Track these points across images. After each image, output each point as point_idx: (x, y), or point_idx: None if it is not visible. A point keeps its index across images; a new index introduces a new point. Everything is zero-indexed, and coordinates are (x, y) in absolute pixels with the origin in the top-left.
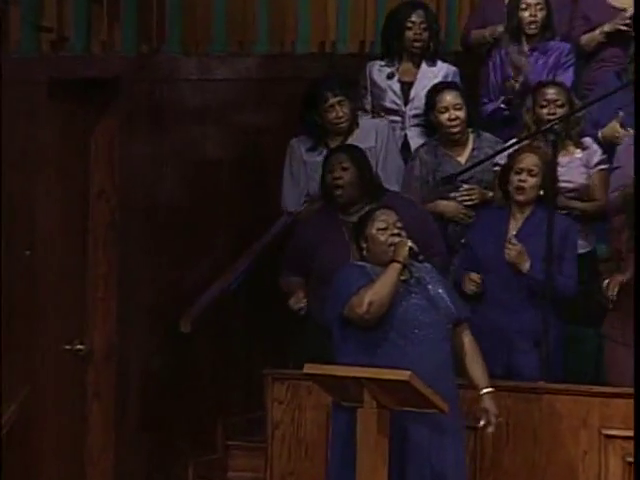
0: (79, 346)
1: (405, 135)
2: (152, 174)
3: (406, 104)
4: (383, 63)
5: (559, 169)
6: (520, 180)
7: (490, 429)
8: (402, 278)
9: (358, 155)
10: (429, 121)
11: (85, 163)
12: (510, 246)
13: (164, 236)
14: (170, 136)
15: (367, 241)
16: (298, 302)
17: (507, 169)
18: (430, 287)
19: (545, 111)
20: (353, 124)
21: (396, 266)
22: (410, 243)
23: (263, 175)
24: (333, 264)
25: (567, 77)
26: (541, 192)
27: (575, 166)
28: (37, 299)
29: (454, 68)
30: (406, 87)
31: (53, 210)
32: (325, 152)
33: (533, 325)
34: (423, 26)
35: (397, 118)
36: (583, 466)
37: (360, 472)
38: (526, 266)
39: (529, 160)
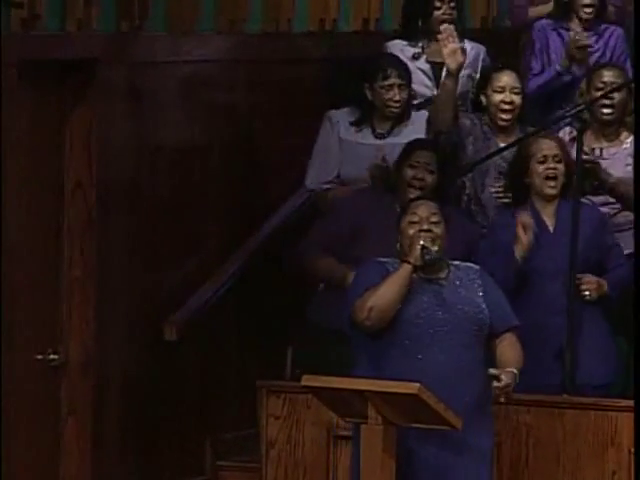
0: (52, 356)
1: None
2: (134, 165)
3: (438, 87)
4: (405, 43)
5: (602, 162)
6: (549, 168)
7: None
8: (431, 276)
9: (443, 158)
10: (476, 102)
11: (59, 153)
12: (586, 286)
13: (147, 234)
14: (153, 123)
15: (399, 233)
16: None
17: (523, 160)
18: (461, 290)
19: (600, 95)
20: (405, 114)
21: (405, 267)
22: (423, 241)
23: (256, 164)
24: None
25: (627, 65)
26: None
27: (620, 157)
28: (5, 304)
29: (482, 47)
30: (437, 68)
31: (23, 206)
32: (368, 135)
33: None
34: (452, 4)
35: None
36: None
37: None
38: (605, 290)
39: (548, 145)
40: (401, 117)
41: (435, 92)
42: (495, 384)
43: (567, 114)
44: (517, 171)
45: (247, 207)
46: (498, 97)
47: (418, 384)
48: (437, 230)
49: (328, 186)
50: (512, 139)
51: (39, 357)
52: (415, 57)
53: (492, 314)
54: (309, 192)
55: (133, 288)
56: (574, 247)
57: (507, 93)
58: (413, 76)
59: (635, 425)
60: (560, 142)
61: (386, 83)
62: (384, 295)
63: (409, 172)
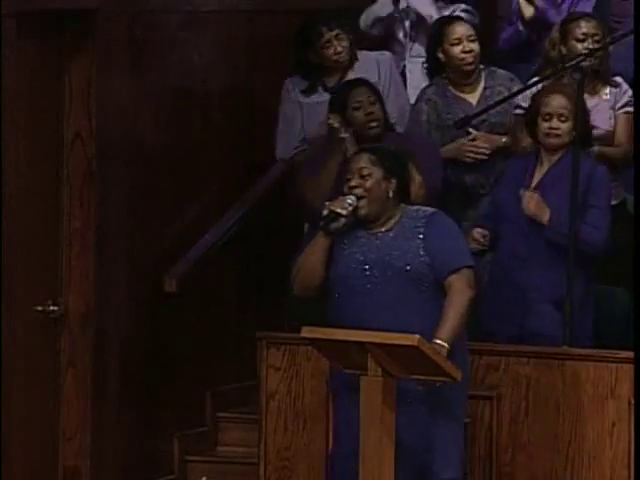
0: (52, 307)
1: (404, 66)
2: (133, 117)
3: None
4: None
5: None
6: (551, 127)
7: None
8: (371, 230)
9: (375, 88)
10: (435, 59)
11: (59, 104)
12: (528, 197)
13: (147, 185)
14: (153, 75)
15: None
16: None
17: (533, 113)
18: (399, 242)
19: (582, 46)
20: (352, 58)
21: (319, 234)
22: (332, 206)
23: (256, 117)
24: None
25: (587, 8)
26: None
27: (602, 109)
28: (5, 256)
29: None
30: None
31: (22, 157)
32: (321, 93)
33: (555, 284)
34: None
35: (398, 49)
36: (611, 440)
37: (364, 445)
38: (545, 218)
39: (556, 103)
40: (350, 63)
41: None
42: None
43: (567, 65)
44: (529, 122)
45: (247, 159)
46: (457, 49)
47: (418, 336)
48: (367, 184)
49: (295, 151)
50: (479, 87)
51: (39, 309)
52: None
53: (434, 261)
54: (281, 161)
55: (132, 240)
56: (574, 197)
57: (465, 43)
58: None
59: (635, 376)
60: (572, 96)
61: (323, 41)
62: (302, 266)
63: (359, 114)
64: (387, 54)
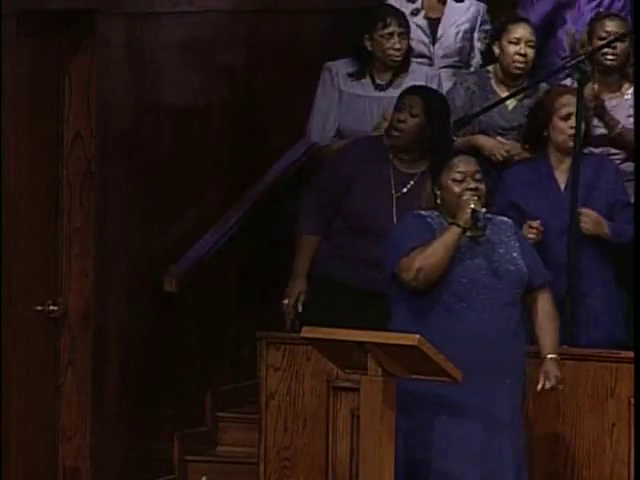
0: (52, 307)
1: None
2: (133, 116)
3: (434, 43)
4: None
5: None
6: (572, 127)
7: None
8: (469, 234)
9: (435, 103)
10: (488, 53)
11: (58, 104)
12: (584, 218)
13: (147, 186)
14: (153, 75)
15: (441, 189)
16: (290, 307)
17: (544, 112)
18: (501, 248)
19: (601, 44)
20: (404, 64)
21: (455, 230)
22: (473, 204)
23: (256, 118)
24: (369, 205)
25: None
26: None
27: (623, 107)
28: (5, 256)
29: (484, 4)
30: (433, 24)
31: (22, 157)
32: (367, 86)
33: (604, 289)
34: None
35: (424, 60)
36: (611, 440)
37: (364, 445)
38: (605, 231)
39: (572, 103)
40: (401, 67)
41: (431, 49)
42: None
43: (567, 65)
44: (537, 123)
45: (247, 159)
46: (513, 48)
47: (418, 336)
48: (482, 187)
49: (329, 142)
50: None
51: (38, 309)
52: (414, 13)
53: (530, 269)
54: (313, 144)
55: (132, 239)
56: (574, 198)
57: (522, 45)
58: (411, 33)
59: (635, 376)
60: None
61: (386, 32)
62: (432, 257)
63: (394, 114)
64: (436, 71)
